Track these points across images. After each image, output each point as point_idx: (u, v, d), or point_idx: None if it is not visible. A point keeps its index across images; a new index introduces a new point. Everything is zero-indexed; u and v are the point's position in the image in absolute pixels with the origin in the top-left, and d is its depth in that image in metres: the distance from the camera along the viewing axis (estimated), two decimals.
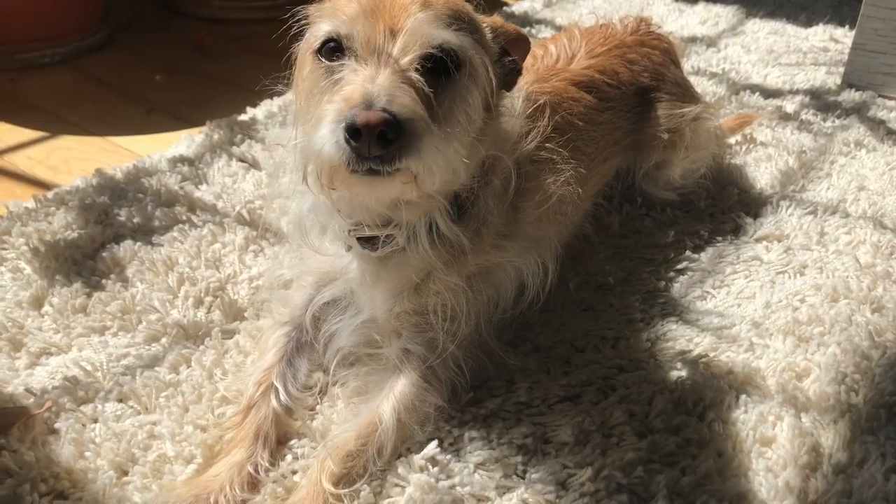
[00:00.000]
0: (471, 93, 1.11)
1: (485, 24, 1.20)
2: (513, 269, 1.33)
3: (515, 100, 1.33)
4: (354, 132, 0.95)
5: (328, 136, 0.98)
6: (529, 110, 1.37)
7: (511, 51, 1.24)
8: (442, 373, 1.25)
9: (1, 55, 2.58)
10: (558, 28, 2.92)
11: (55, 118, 2.31)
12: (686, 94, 1.83)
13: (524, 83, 1.48)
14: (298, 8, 1.15)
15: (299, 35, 1.16)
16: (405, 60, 1.03)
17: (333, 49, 1.07)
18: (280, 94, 2.14)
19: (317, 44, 1.09)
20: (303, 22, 1.15)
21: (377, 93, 0.97)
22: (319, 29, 1.09)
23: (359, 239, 1.20)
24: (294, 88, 1.17)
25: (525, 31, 2.87)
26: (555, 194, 1.35)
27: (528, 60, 1.66)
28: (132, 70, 2.66)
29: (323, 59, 1.08)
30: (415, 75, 1.02)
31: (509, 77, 1.25)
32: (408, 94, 0.99)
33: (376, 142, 0.95)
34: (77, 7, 2.74)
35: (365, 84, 0.99)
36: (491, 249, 1.28)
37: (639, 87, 1.72)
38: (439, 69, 1.06)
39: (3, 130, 2.22)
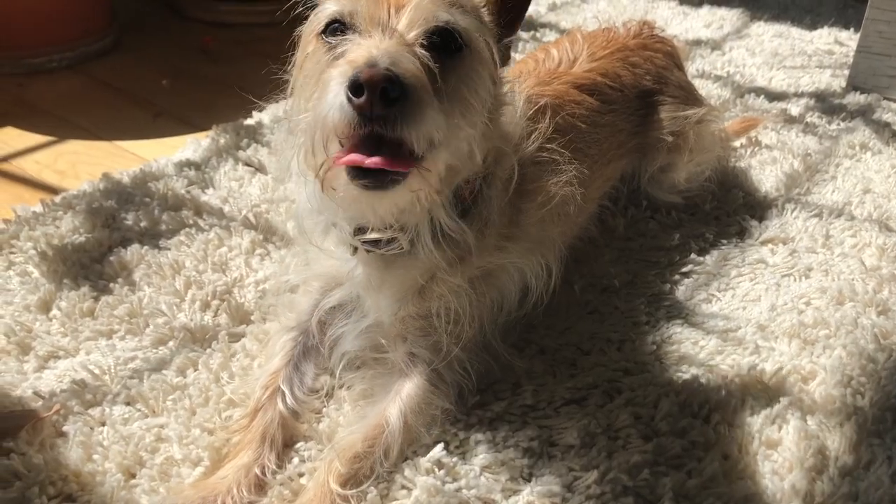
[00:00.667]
0: (477, 74, 1.11)
1: (482, 5, 1.20)
2: (516, 270, 1.33)
3: (517, 100, 1.34)
4: (357, 88, 0.94)
5: (332, 101, 0.98)
6: (530, 112, 1.38)
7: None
8: (448, 375, 1.26)
9: (9, 60, 2.60)
10: (562, 31, 2.92)
11: (63, 122, 2.32)
12: (689, 97, 1.83)
13: (526, 86, 1.49)
14: None
15: (303, 19, 1.16)
16: (410, 35, 1.03)
17: (337, 30, 1.08)
18: (286, 98, 2.16)
19: (321, 25, 1.10)
20: (309, 1, 1.15)
21: (381, 55, 0.96)
22: (324, 10, 1.10)
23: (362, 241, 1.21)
24: (295, 69, 1.17)
25: (529, 34, 2.87)
26: (557, 195, 1.35)
27: (530, 64, 1.67)
28: (139, 74, 2.68)
29: (327, 39, 1.08)
30: (419, 49, 1.02)
31: (504, 55, 1.25)
32: (412, 62, 0.99)
33: (379, 99, 0.94)
34: (84, 12, 2.75)
35: (370, 49, 0.98)
36: (494, 251, 1.29)
37: (641, 90, 1.73)
38: (444, 48, 1.06)
39: (11, 135, 2.24)
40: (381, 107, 0.95)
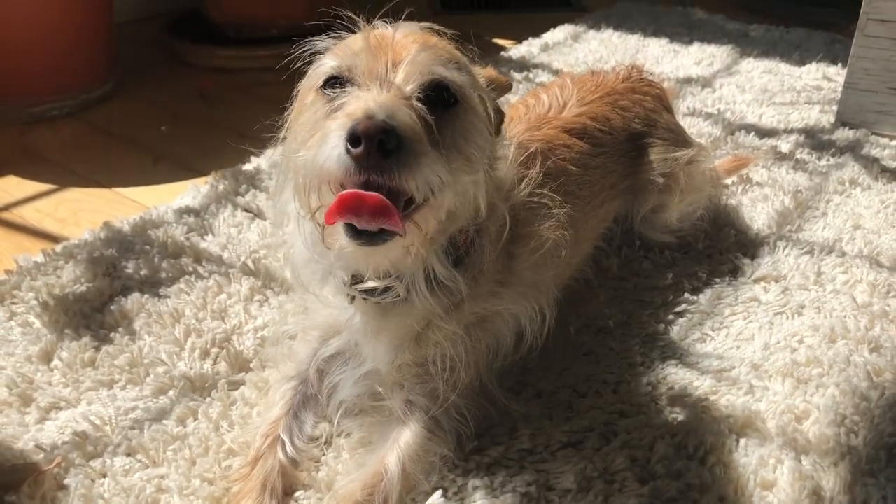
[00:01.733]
0: (472, 125, 1.15)
1: (480, 76, 1.25)
2: (510, 316, 1.35)
3: (508, 148, 1.37)
4: (354, 139, 0.97)
5: (330, 150, 1.00)
6: (521, 158, 1.41)
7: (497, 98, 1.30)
8: (446, 422, 1.27)
9: (11, 109, 2.64)
10: (555, 72, 2.97)
11: (64, 170, 2.35)
12: (679, 138, 1.86)
13: (516, 132, 1.53)
14: (306, 40, 1.18)
15: (302, 74, 1.20)
16: (408, 88, 1.06)
17: (336, 83, 1.11)
18: (279, 142, 2.19)
19: (320, 81, 1.13)
20: (308, 56, 1.19)
21: (378, 108, 0.99)
22: (323, 65, 1.14)
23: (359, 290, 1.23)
24: (291, 119, 1.20)
25: (522, 74, 2.91)
26: (549, 239, 1.38)
27: (521, 109, 1.71)
28: (139, 120, 2.72)
29: (326, 92, 1.12)
30: (416, 103, 1.05)
31: (498, 125, 1.30)
32: (408, 114, 1.02)
33: (376, 149, 0.97)
34: (86, 60, 2.80)
35: (367, 102, 1.01)
36: (488, 297, 1.31)
37: (631, 132, 1.76)
38: (440, 102, 1.09)
39: (12, 183, 2.27)
40: (378, 157, 0.98)
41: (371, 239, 1.03)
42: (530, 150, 1.45)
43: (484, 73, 1.27)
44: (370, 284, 1.20)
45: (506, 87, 1.32)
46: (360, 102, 1.02)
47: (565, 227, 1.40)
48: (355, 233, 1.03)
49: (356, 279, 1.21)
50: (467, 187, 1.15)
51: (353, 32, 1.15)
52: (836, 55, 3.20)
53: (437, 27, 1.19)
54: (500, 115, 1.29)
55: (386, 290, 1.20)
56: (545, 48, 3.28)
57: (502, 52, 3.25)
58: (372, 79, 1.07)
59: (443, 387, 1.25)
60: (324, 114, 1.10)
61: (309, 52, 1.18)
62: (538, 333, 1.38)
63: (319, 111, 1.11)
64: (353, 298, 1.25)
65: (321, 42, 1.18)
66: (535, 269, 1.39)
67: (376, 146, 0.97)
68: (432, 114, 1.06)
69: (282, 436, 1.29)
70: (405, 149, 0.99)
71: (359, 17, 1.14)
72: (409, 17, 1.20)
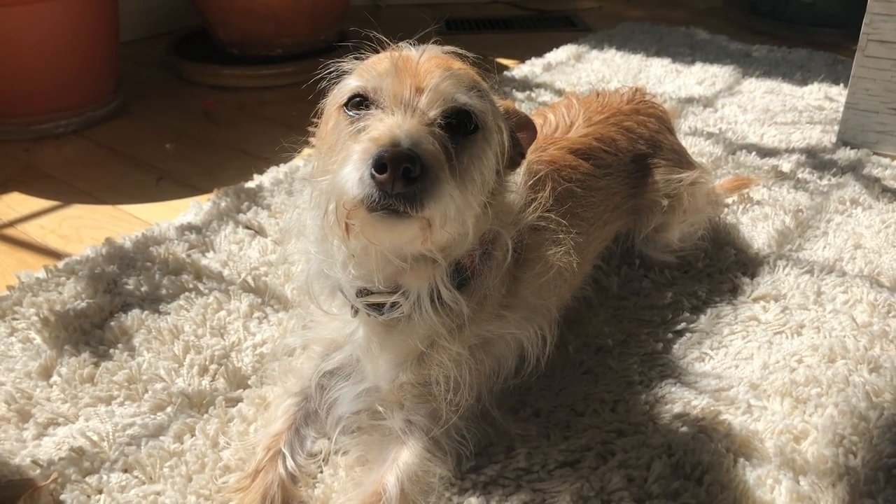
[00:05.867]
0: (486, 155, 1.16)
1: (500, 105, 1.26)
2: (514, 339, 1.35)
3: (517, 172, 1.38)
4: (380, 166, 0.99)
5: (353, 173, 1.02)
6: (530, 181, 1.42)
7: (519, 134, 1.30)
8: (446, 443, 1.27)
9: (17, 126, 2.67)
10: (557, 91, 2.99)
11: (68, 187, 2.37)
12: (682, 159, 1.86)
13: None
14: (330, 62, 1.20)
15: (326, 91, 1.21)
16: (431, 114, 1.08)
17: (359, 104, 1.13)
18: (286, 160, 2.19)
19: (344, 98, 1.15)
20: (332, 77, 1.21)
21: (404, 136, 1.01)
22: (347, 84, 1.15)
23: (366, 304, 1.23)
24: (317, 141, 1.22)
25: (525, 94, 2.92)
26: (555, 265, 1.38)
27: None
28: (143, 138, 2.74)
29: (350, 112, 1.13)
30: (438, 130, 1.07)
31: (515, 158, 1.31)
32: (431, 142, 1.03)
33: (400, 177, 0.98)
34: (91, 78, 2.83)
35: (393, 128, 1.03)
36: (492, 320, 1.31)
37: (636, 153, 1.76)
38: (458, 128, 1.11)
39: (17, 200, 2.29)
40: (402, 185, 0.99)
41: (391, 212, 1.02)
42: (539, 175, 1.45)
43: (503, 103, 1.28)
44: (377, 299, 1.20)
45: (524, 123, 1.32)
46: (385, 128, 1.04)
47: (571, 253, 1.41)
48: (375, 206, 1.02)
49: (363, 293, 1.22)
50: (479, 211, 1.16)
51: (375, 52, 1.17)
52: (837, 75, 3.22)
53: (460, 50, 1.21)
54: (518, 146, 1.30)
55: (392, 306, 1.21)
56: (548, 68, 3.30)
57: (505, 72, 3.27)
58: (396, 103, 1.09)
59: (445, 408, 1.25)
60: (348, 136, 1.11)
61: (334, 72, 1.20)
62: (540, 355, 1.38)
63: (343, 132, 1.13)
64: (356, 311, 1.25)
65: (346, 63, 1.20)
66: (539, 294, 1.39)
67: (402, 174, 0.98)
68: (452, 141, 1.08)
69: (283, 450, 1.29)
70: (428, 176, 1.00)
71: (390, 39, 1.17)
72: (424, 38, 1.21)
